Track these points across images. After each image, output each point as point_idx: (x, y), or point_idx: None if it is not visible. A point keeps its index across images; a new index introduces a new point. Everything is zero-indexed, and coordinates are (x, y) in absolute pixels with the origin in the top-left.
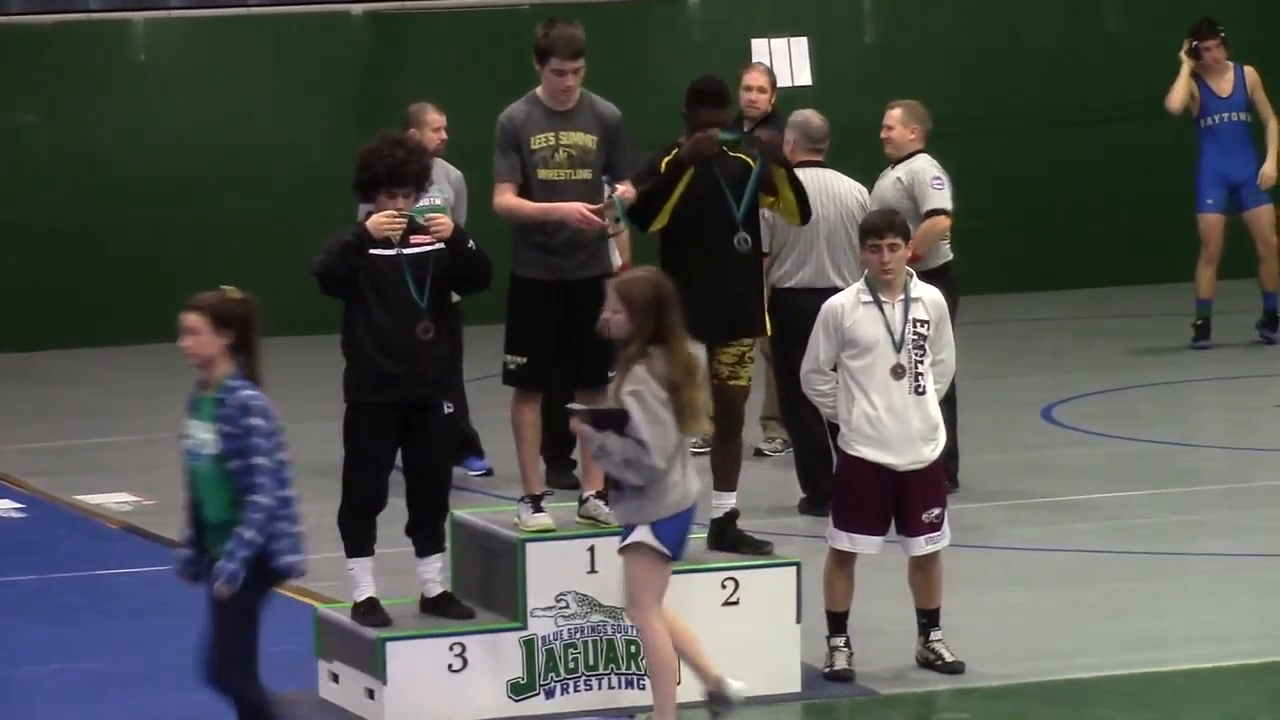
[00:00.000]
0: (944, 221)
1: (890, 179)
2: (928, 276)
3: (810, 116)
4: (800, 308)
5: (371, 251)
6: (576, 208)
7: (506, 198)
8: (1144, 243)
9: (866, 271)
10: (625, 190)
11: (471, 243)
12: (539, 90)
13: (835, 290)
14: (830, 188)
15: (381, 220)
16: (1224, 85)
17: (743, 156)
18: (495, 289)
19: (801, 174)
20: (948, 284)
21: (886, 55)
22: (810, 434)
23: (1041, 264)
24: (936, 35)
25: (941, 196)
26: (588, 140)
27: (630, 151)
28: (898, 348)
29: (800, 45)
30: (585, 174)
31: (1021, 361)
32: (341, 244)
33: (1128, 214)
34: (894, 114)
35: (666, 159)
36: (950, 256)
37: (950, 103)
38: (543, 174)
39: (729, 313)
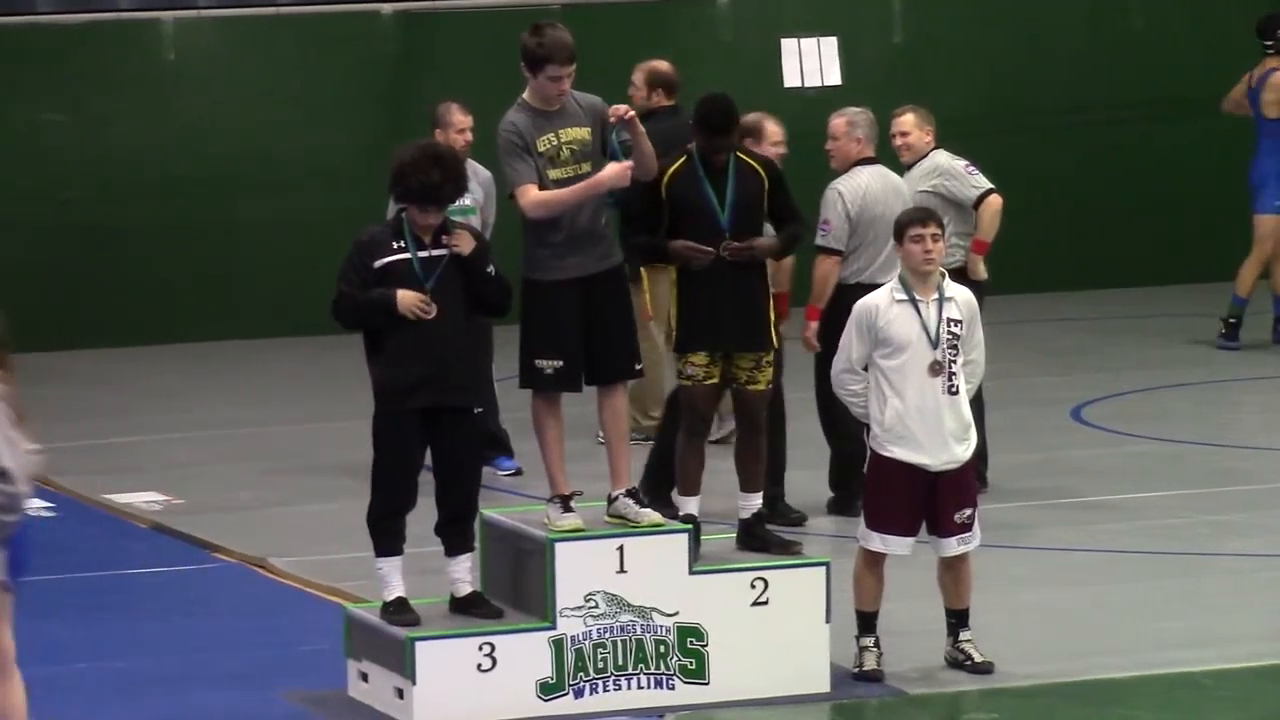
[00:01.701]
0: (999, 199)
1: (915, 177)
2: (955, 274)
3: (870, 114)
4: None
5: (396, 258)
6: (617, 167)
7: (534, 194)
8: (1171, 242)
9: (901, 269)
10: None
11: (492, 267)
12: (527, 96)
13: None
14: (893, 184)
15: (414, 303)
16: None
17: (749, 161)
18: (517, 289)
19: (868, 170)
20: (975, 282)
21: (915, 55)
22: (848, 432)
23: (1068, 264)
24: (964, 34)
25: (983, 179)
26: (584, 133)
27: None
28: (934, 345)
29: (829, 45)
30: (587, 167)
31: (1050, 361)
32: (370, 305)
33: (1154, 213)
34: (908, 119)
35: (673, 168)
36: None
37: (978, 102)
38: (552, 174)
39: (744, 325)
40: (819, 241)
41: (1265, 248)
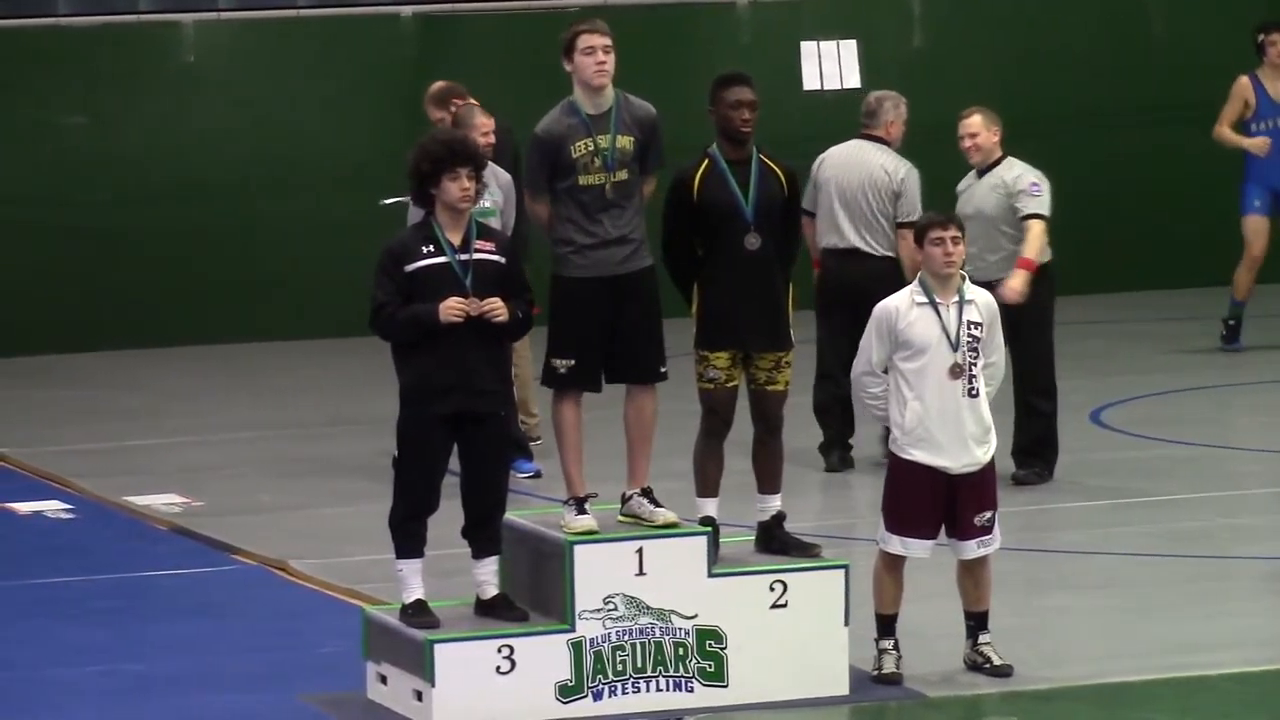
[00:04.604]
0: (1040, 225)
1: (986, 186)
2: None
3: (881, 95)
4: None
5: (429, 262)
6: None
7: (531, 204)
8: (1190, 246)
9: (922, 271)
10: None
11: (520, 312)
12: (573, 95)
13: (856, 251)
14: (857, 158)
15: (456, 307)
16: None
17: (772, 164)
18: (540, 290)
19: (849, 142)
20: (1046, 283)
21: (935, 57)
22: None
23: (1089, 267)
24: (984, 37)
25: (1040, 202)
26: (625, 142)
27: (659, 152)
28: (954, 348)
29: (849, 48)
30: (623, 175)
31: (1069, 365)
32: (411, 321)
33: (1174, 217)
34: (975, 120)
35: (699, 173)
36: (1049, 256)
37: (998, 105)
38: (583, 180)
39: (764, 323)
40: None
41: (1254, 249)
